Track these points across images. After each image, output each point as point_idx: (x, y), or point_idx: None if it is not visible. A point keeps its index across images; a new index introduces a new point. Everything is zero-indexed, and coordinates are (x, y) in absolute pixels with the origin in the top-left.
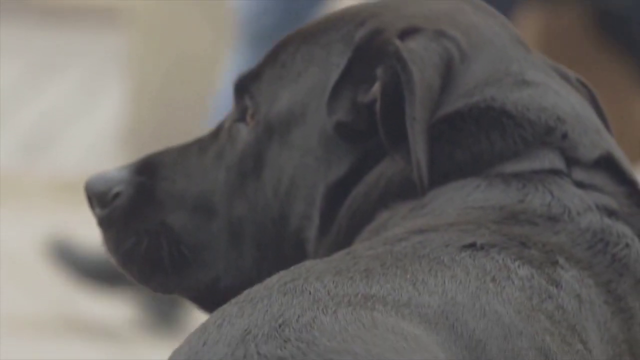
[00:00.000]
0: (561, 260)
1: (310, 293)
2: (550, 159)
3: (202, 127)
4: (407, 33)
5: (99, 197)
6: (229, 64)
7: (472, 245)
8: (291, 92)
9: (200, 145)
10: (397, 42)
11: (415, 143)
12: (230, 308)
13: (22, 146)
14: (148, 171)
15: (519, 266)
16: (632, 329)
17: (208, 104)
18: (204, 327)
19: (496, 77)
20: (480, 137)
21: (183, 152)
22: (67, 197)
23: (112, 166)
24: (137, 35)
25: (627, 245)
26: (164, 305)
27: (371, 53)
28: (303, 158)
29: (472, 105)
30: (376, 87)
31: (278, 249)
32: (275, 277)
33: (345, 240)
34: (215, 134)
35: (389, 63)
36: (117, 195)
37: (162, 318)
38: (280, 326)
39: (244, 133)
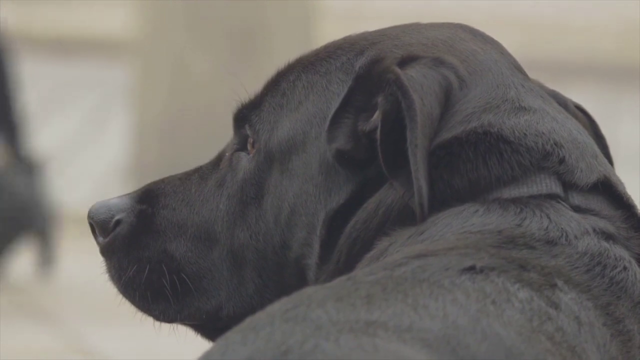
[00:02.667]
0: (560, 283)
1: (312, 320)
2: (548, 184)
3: (205, 155)
4: (406, 61)
5: (100, 225)
6: None
7: (471, 269)
8: (291, 120)
9: (201, 174)
10: (397, 70)
11: (417, 170)
12: (233, 336)
13: None
14: (149, 199)
15: (518, 289)
16: (631, 352)
17: (214, 135)
18: (207, 355)
19: (494, 103)
20: (478, 164)
21: (184, 180)
22: (72, 229)
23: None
24: (139, 66)
25: (624, 268)
26: None
27: (371, 81)
28: (303, 186)
29: (469, 132)
30: (377, 115)
31: (280, 276)
32: (277, 304)
33: (346, 267)
34: (216, 162)
35: (390, 91)
36: (118, 223)
37: None
38: (283, 354)
39: (245, 161)
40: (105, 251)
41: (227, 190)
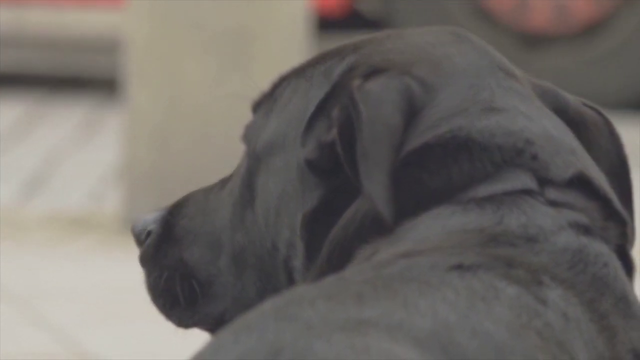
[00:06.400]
0: (546, 280)
1: (303, 319)
2: (522, 180)
3: (201, 164)
4: (374, 72)
5: (136, 237)
6: None
7: (459, 266)
8: (276, 122)
9: (222, 183)
10: (355, 82)
11: (366, 179)
12: (224, 335)
13: (20, 183)
14: (176, 210)
15: (506, 285)
16: (616, 347)
17: (206, 140)
18: (199, 355)
19: (463, 106)
20: (449, 166)
21: (207, 190)
22: (66, 233)
23: (110, 202)
24: (134, 69)
25: (605, 264)
26: None
27: (339, 91)
28: (285, 186)
29: (439, 137)
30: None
31: (276, 279)
32: (269, 303)
33: (329, 271)
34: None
35: (345, 103)
36: (149, 234)
37: None
38: (276, 353)
39: (244, 166)
40: (141, 261)
41: (232, 197)
